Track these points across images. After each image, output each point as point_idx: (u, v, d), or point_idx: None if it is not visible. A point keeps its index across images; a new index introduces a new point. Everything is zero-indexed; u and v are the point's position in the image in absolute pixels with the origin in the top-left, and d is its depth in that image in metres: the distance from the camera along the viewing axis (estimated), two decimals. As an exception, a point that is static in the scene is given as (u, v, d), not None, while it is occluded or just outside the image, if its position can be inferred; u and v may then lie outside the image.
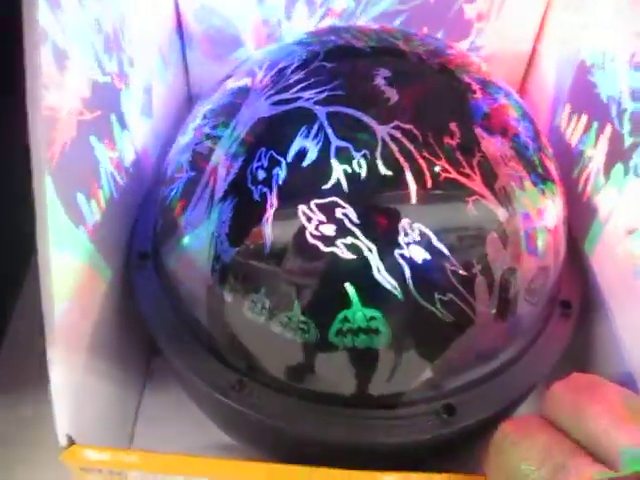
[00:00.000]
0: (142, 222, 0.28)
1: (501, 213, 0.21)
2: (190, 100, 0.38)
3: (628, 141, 0.24)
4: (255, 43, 0.34)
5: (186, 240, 0.22)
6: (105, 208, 0.25)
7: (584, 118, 0.28)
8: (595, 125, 0.27)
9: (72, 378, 0.23)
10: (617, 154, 0.25)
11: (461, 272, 0.20)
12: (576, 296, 0.26)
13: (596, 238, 0.27)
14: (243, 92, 0.23)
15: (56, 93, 0.20)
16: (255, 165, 0.20)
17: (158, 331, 0.24)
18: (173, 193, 0.24)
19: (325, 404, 0.22)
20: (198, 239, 0.22)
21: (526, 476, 0.18)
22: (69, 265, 0.22)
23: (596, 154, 0.27)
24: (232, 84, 0.24)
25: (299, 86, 0.21)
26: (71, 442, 0.23)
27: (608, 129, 0.26)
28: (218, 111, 0.23)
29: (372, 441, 0.22)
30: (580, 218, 0.28)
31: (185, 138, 0.24)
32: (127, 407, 0.30)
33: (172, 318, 0.24)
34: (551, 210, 0.23)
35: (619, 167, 0.25)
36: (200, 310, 0.23)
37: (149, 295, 0.25)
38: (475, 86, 0.22)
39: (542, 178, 0.23)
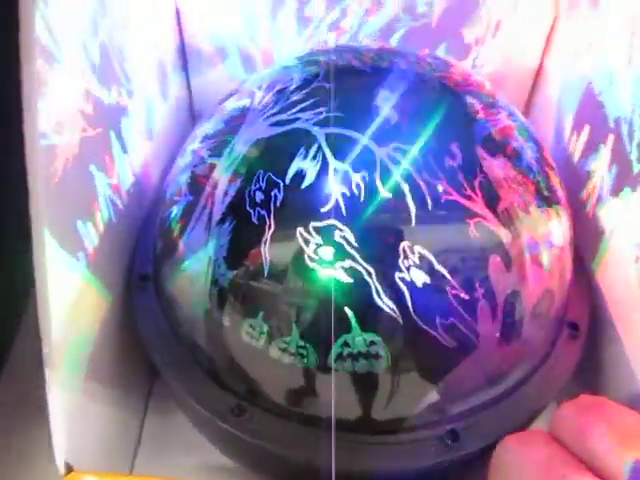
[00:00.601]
0: (143, 243, 0.28)
1: (504, 235, 0.20)
2: (193, 118, 0.38)
3: (637, 167, 0.24)
4: (261, 62, 0.34)
5: (184, 263, 0.22)
6: (104, 231, 0.25)
7: (591, 138, 0.28)
8: (602, 146, 0.27)
9: (71, 402, 0.22)
10: (625, 176, 0.25)
11: (463, 296, 0.19)
12: (584, 317, 0.26)
13: (603, 259, 0.26)
14: (242, 113, 0.22)
15: (58, 104, 0.20)
16: (253, 187, 0.20)
17: (157, 354, 0.24)
18: (172, 215, 0.24)
19: (326, 429, 0.21)
20: (196, 262, 0.22)
21: None
22: (67, 287, 0.22)
23: (604, 175, 0.27)
24: (231, 104, 0.24)
25: (298, 107, 0.21)
26: (69, 469, 0.22)
27: (616, 151, 0.26)
28: (217, 132, 0.23)
29: (374, 467, 0.21)
30: (587, 239, 0.27)
31: (184, 159, 0.24)
32: (129, 431, 0.29)
33: (172, 341, 0.24)
34: (556, 231, 0.23)
35: (627, 190, 0.25)
36: (199, 334, 0.23)
37: (149, 317, 0.25)
38: (478, 106, 0.22)
39: (546, 199, 0.22)
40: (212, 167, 0.22)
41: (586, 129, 0.28)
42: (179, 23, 0.34)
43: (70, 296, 0.22)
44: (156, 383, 0.32)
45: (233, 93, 0.25)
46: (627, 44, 0.25)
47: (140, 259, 0.27)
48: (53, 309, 0.20)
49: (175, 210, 0.23)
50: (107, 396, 0.26)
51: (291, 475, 0.23)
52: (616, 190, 0.25)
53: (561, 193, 0.23)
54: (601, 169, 0.27)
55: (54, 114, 0.20)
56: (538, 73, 0.36)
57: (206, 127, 0.24)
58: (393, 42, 0.34)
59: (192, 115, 0.38)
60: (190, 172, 0.23)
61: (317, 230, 0.19)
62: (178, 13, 0.34)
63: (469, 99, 0.22)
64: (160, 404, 0.31)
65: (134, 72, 0.28)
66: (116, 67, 0.26)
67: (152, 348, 0.24)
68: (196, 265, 0.22)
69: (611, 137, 0.26)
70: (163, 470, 0.29)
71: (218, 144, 0.22)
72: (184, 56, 0.35)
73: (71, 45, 0.21)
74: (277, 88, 0.22)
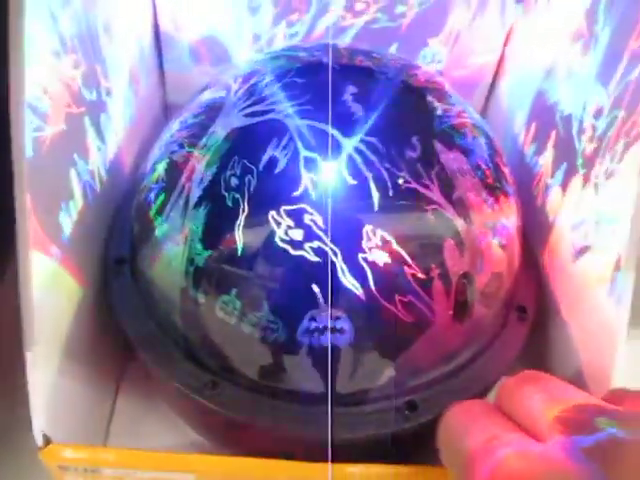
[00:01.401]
0: (118, 229, 0.29)
1: (457, 221, 0.22)
2: (166, 109, 0.39)
3: (580, 161, 0.26)
4: (235, 56, 0.36)
5: (162, 244, 0.23)
6: (81, 215, 0.26)
7: (540, 135, 0.30)
8: (550, 143, 0.29)
9: (48, 379, 0.24)
10: (570, 170, 0.27)
11: (420, 275, 0.21)
12: (531, 302, 0.28)
13: (549, 248, 0.29)
14: (219, 103, 0.24)
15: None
16: (228, 173, 0.22)
17: (134, 333, 0.25)
18: (149, 200, 0.25)
19: (293, 402, 0.23)
20: (173, 243, 0.23)
21: (465, 446, 0.19)
22: (48, 268, 0.23)
23: (550, 170, 0.29)
24: (208, 96, 0.25)
25: (271, 99, 0.22)
26: (47, 441, 0.23)
27: (562, 147, 0.28)
28: (194, 121, 0.24)
29: (339, 436, 0.23)
30: (536, 228, 0.30)
31: (162, 146, 0.25)
32: (101, 410, 0.30)
33: (148, 321, 0.25)
34: (505, 219, 0.25)
35: (575, 183, 0.27)
36: (175, 312, 0.24)
37: (125, 299, 0.26)
38: (436, 103, 0.24)
39: (497, 189, 0.24)
40: (189, 154, 0.23)
41: (534, 126, 0.30)
42: (155, 13, 0.35)
43: (49, 277, 0.23)
44: (128, 365, 0.33)
45: (209, 85, 0.26)
46: (569, 47, 0.28)
47: (115, 244, 0.29)
48: (34, 290, 0.21)
49: (152, 195, 0.25)
50: (81, 374, 0.27)
51: (261, 447, 0.24)
52: (562, 183, 0.28)
53: (511, 184, 0.25)
54: (548, 163, 0.29)
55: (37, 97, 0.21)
56: (495, 76, 0.38)
57: (184, 117, 0.25)
58: (364, 42, 0.36)
59: (165, 106, 0.39)
60: (168, 159, 0.24)
61: (288, 213, 0.21)
62: (154, 3, 0.35)
63: (429, 97, 0.24)
64: (132, 385, 0.32)
65: (112, 63, 0.29)
66: (96, 55, 0.27)
67: (129, 328, 0.26)
68: (173, 246, 0.23)
69: (557, 133, 0.28)
70: (134, 445, 0.30)
71: (196, 133, 0.24)
72: (159, 47, 0.36)
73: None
74: (252, 81, 0.24)
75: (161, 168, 0.25)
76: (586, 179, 0.26)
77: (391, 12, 0.35)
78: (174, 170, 0.24)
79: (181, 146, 0.24)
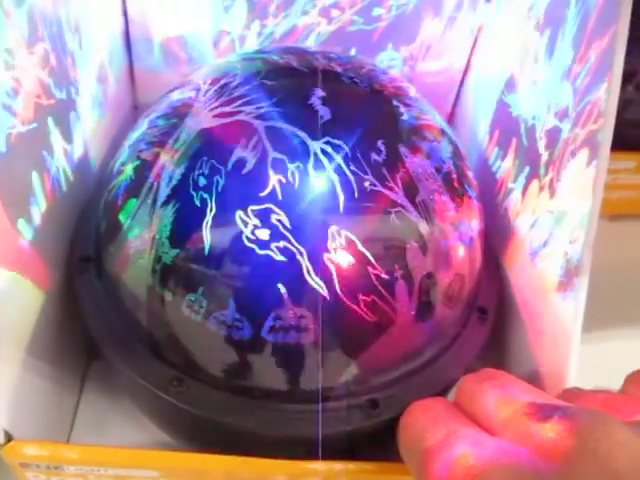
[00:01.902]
0: (83, 227, 0.29)
1: (421, 224, 0.23)
2: (136, 108, 0.39)
3: (543, 169, 0.27)
4: (208, 55, 0.36)
5: (129, 242, 0.24)
6: (49, 211, 0.26)
7: (502, 141, 0.31)
8: (511, 149, 0.30)
9: (11, 375, 0.23)
10: (530, 175, 0.28)
11: (383, 276, 0.22)
12: (492, 303, 0.29)
13: (512, 253, 0.30)
14: (188, 104, 0.24)
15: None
16: (197, 173, 0.22)
17: (99, 331, 0.25)
18: (117, 198, 0.25)
19: (257, 398, 0.23)
20: (140, 241, 0.23)
21: (420, 440, 0.20)
22: (13, 263, 0.23)
23: (512, 175, 0.30)
24: (177, 96, 0.25)
25: (240, 101, 0.23)
26: (9, 438, 0.23)
27: (522, 153, 0.29)
28: (163, 121, 0.24)
29: (301, 433, 0.23)
30: (497, 232, 0.31)
31: (130, 145, 0.26)
32: (65, 408, 0.30)
33: (113, 319, 0.25)
34: (467, 222, 0.25)
35: (533, 187, 0.28)
36: (141, 309, 0.24)
37: (91, 297, 0.26)
38: (403, 109, 0.25)
39: (460, 193, 0.25)
40: (158, 153, 0.23)
41: (497, 132, 0.31)
42: (125, 12, 0.35)
43: (13, 274, 0.23)
44: (92, 364, 0.33)
45: (179, 86, 0.26)
46: (533, 55, 0.29)
47: (80, 242, 0.28)
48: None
49: (120, 194, 0.25)
50: (45, 371, 0.27)
51: (225, 445, 0.25)
52: (523, 187, 0.29)
53: (474, 188, 0.26)
54: (510, 169, 0.30)
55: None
56: (460, 84, 0.39)
57: (153, 116, 0.25)
58: (333, 46, 0.36)
59: (135, 106, 0.39)
60: (136, 157, 0.24)
61: (255, 213, 0.21)
62: (124, 2, 0.35)
63: (395, 101, 0.25)
64: (96, 383, 0.32)
65: (81, 61, 0.29)
66: (65, 54, 0.27)
67: (93, 325, 0.26)
68: (140, 244, 0.23)
69: (519, 140, 0.29)
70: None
71: (164, 132, 0.24)
72: (129, 46, 0.36)
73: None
74: (222, 82, 0.24)
75: (129, 167, 0.25)
76: (542, 184, 0.27)
77: (368, 15, 0.35)
78: (142, 169, 0.24)
79: (150, 145, 0.24)
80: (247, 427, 0.23)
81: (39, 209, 0.25)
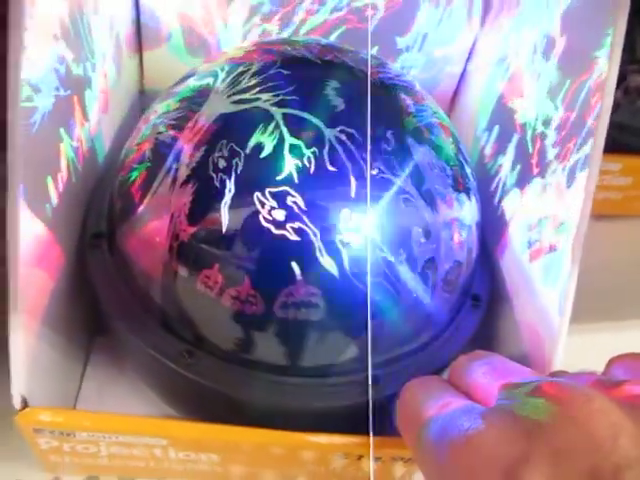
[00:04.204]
0: (95, 205, 0.30)
1: (425, 211, 0.24)
2: (143, 94, 0.39)
3: (535, 169, 0.29)
4: (214, 46, 0.37)
5: (146, 220, 0.25)
6: (65, 190, 0.26)
7: (500, 139, 0.33)
8: (509, 146, 0.32)
9: (28, 344, 0.24)
10: (525, 173, 0.30)
11: (389, 258, 0.23)
12: (485, 291, 0.30)
13: (505, 244, 0.31)
14: (206, 90, 0.25)
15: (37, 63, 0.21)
16: (216, 155, 0.23)
17: (110, 304, 0.26)
18: (133, 178, 0.26)
19: (265, 372, 0.24)
20: (158, 219, 0.24)
21: (418, 412, 0.21)
22: (34, 239, 0.24)
23: (508, 172, 0.31)
24: (195, 82, 0.26)
25: (258, 89, 0.24)
26: (25, 404, 0.24)
27: (519, 151, 0.30)
28: (181, 105, 0.25)
29: (306, 406, 0.24)
30: (492, 226, 0.32)
31: (147, 128, 0.27)
32: (70, 379, 0.31)
33: (124, 293, 0.26)
34: (466, 212, 0.27)
35: (533, 185, 0.29)
36: (154, 285, 0.25)
37: (102, 271, 0.27)
38: (409, 101, 0.26)
39: (460, 185, 0.26)
40: (177, 136, 0.24)
41: (496, 130, 0.33)
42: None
43: (35, 248, 0.24)
44: (97, 339, 0.33)
45: (195, 72, 0.27)
46: (531, 57, 0.30)
47: (92, 220, 0.29)
48: (21, 257, 0.22)
49: (137, 173, 0.26)
50: (55, 342, 0.28)
51: (232, 417, 0.26)
52: (518, 184, 0.30)
53: (472, 181, 0.28)
54: (506, 166, 0.31)
55: (34, 71, 0.22)
56: (460, 80, 0.40)
57: (170, 100, 0.26)
58: (332, 39, 0.37)
59: (142, 91, 0.39)
60: (154, 139, 0.25)
61: (272, 195, 0.22)
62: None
63: (402, 95, 0.26)
64: (100, 357, 0.33)
65: (97, 46, 0.30)
66: (84, 40, 0.28)
67: (104, 298, 0.27)
68: (158, 222, 0.24)
69: (516, 138, 0.30)
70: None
71: (183, 116, 0.25)
72: (138, 30, 0.37)
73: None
74: (239, 70, 0.25)
75: (147, 148, 0.26)
76: (537, 181, 0.28)
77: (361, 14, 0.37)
78: (161, 150, 0.25)
79: (168, 128, 0.25)
80: (250, 398, 0.24)
81: (60, 183, 0.26)
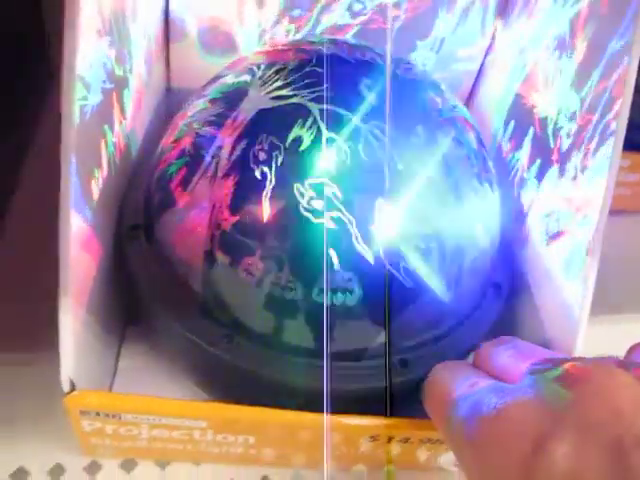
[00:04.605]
0: (131, 199, 0.31)
1: (453, 202, 0.26)
2: (169, 91, 0.41)
3: (555, 156, 0.30)
4: (243, 45, 0.38)
5: (187, 211, 0.26)
6: (105, 183, 0.28)
7: (517, 133, 0.34)
8: (526, 140, 0.33)
9: (75, 328, 0.26)
10: (542, 165, 0.31)
11: (421, 245, 0.24)
12: (506, 280, 0.31)
13: (524, 234, 0.32)
14: (244, 86, 0.26)
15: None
16: (257, 148, 0.24)
17: (150, 291, 0.28)
18: (172, 172, 0.27)
19: (301, 355, 0.26)
20: (200, 209, 0.25)
21: (446, 393, 0.22)
22: (80, 229, 0.25)
23: (525, 164, 0.33)
24: (232, 79, 0.27)
25: (295, 85, 0.25)
26: (72, 387, 0.25)
27: (537, 145, 0.32)
28: (220, 101, 0.27)
29: (340, 388, 0.26)
30: (512, 217, 0.33)
31: (184, 124, 0.28)
32: (106, 365, 0.32)
33: (164, 282, 0.28)
34: (489, 205, 0.28)
35: (551, 176, 0.31)
36: (194, 273, 0.26)
37: (142, 262, 0.29)
38: (437, 99, 0.27)
39: (484, 176, 0.28)
40: (217, 130, 0.26)
41: (512, 125, 0.34)
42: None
43: (81, 237, 0.25)
44: (129, 328, 0.35)
45: (230, 70, 0.29)
46: (547, 55, 0.31)
47: (128, 212, 0.31)
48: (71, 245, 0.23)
49: (175, 168, 0.27)
50: (96, 329, 0.29)
51: (267, 400, 0.27)
52: (537, 176, 0.31)
53: (493, 173, 0.29)
54: (524, 159, 0.33)
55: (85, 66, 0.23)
56: (476, 80, 0.42)
57: (208, 97, 0.27)
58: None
59: (169, 88, 0.41)
60: (195, 133, 0.27)
61: (311, 186, 0.23)
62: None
63: (430, 92, 0.27)
64: (133, 346, 0.34)
65: (135, 42, 0.31)
66: (125, 42, 0.29)
67: (145, 287, 0.28)
68: (199, 212, 0.25)
69: (532, 132, 0.32)
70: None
71: (222, 112, 0.26)
72: (167, 32, 0.38)
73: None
74: (275, 68, 0.26)
75: (186, 143, 0.27)
76: (561, 173, 0.29)
77: (385, 15, 0.38)
78: (200, 145, 0.26)
79: (207, 123, 0.26)
80: (289, 382, 0.26)
81: (101, 176, 0.27)
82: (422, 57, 0.40)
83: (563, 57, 0.30)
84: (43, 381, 0.26)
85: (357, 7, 0.38)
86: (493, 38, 0.40)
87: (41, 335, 0.25)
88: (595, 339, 0.28)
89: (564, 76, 0.30)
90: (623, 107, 0.25)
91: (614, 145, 0.25)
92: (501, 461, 0.20)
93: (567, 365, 0.21)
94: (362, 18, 0.38)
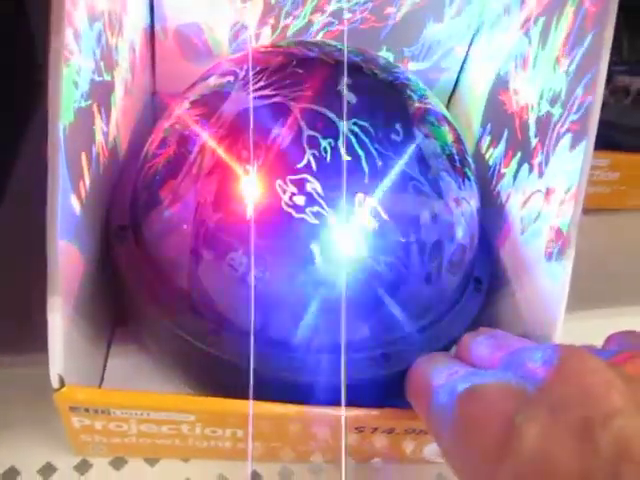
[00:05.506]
0: (117, 200, 0.32)
1: (432, 197, 0.26)
2: (154, 95, 0.41)
3: (528, 152, 0.31)
4: (226, 47, 0.39)
5: (173, 209, 0.26)
6: (91, 185, 0.28)
7: (493, 131, 0.35)
8: (502, 138, 0.34)
9: (63, 326, 0.26)
10: (522, 160, 0.32)
11: (401, 239, 0.25)
12: (486, 274, 0.32)
13: (503, 230, 0.33)
14: (227, 87, 0.27)
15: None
16: (239, 146, 0.25)
17: (138, 288, 0.28)
18: (158, 170, 0.28)
19: (285, 349, 0.26)
20: (184, 207, 0.26)
21: (427, 383, 0.23)
22: (69, 226, 0.25)
23: (502, 160, 0.33)
24: (215, 80, 0.28)
25: (276, 85, 0.26)
26: (62, 383, 0.26)
27: (513, 141, 0.32)
28: (204, 101, 0.27)
29: (321, 380, 0.26)
30: (490, 212, 0.34)
31: (170, 123, 0.28)
32: (95, 364, 0.33)
33: (151, 280, 0.28)
34: (469, 200, 0.29)
35: (523, 171, 0.32)
36: (180, 269, 0.27)
37: (129, 261, 0.29)
38: (415, 97, 0.28)
39: (462, 172, 0.28)
40: (202, 129, 0.26)
41: (489, 124, 0.35)
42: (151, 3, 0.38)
43: (69, 235, 0.26)
44: (117, 329, 0.35)
45: (214, 72, 0.29)
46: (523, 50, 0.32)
47: (115, 213, 0.31)
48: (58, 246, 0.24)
49: (161, 166, 0.28)
50: (84, 327, 0.29)
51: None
52: (514, 172, 0.32)
53: (472, 170, 0.30)
54: (501, 156, 0.34)
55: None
56: (457, 78, 0.43)
57: (192, 98, 0.28)
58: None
59: (153, 91, 0.41)
60: (178, 133, 0.27)
61: (292, 182, 0.24)
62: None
63: (408, 91, 0.28)
64: (120, 346, 0.34)
65: (121, 56, 0.32)
66: (110, 45, 0.30)
67: (133, 286, 0.28)
68: (184, 209, 0.26)
69: (510, 130, 0.33)
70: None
71: (206, 112, 0.27)
72: (152, 34, 0.39)
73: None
74: (257, 69, 0.27)
75: (171, 143, 0.28)
76: (532, 167, 0.30)
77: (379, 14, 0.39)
78: (185, 144, 0.27)
79: (192, 123, 0.27)
80: (272, 374, 0.26)
81: (85, 184, 0.27)
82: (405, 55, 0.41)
83: (537, 48, 0.31)
84: (34, 382, 0.27)
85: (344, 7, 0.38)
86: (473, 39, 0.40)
87: (33, 336, 0.25)
88: (572, 334, 0.29)
89: (537, 68, 0.31)
90: (594, 106, 0.26)
91: (586, 143, 0.26)
92: (478, 442, 0.20)
93: (542, 351, 0.22)
94: (349, 16, 0.39)
